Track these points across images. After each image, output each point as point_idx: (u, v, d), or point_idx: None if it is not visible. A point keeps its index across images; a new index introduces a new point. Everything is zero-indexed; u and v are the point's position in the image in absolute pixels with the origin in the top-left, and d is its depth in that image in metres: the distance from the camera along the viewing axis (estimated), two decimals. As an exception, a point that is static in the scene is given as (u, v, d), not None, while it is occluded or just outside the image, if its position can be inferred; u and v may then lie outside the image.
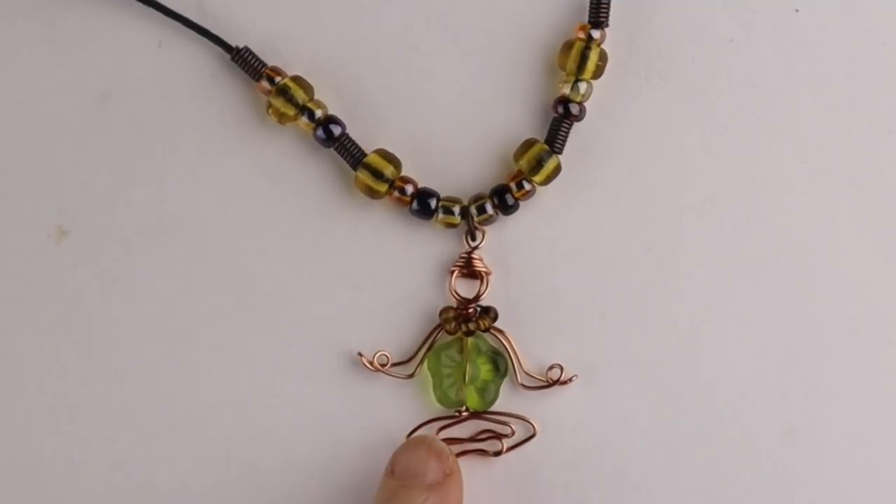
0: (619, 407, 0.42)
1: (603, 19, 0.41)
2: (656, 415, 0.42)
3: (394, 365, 0.42)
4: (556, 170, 0.41)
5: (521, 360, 0.42)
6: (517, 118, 0.42)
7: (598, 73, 0.41)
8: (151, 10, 0.41)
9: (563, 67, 0.41)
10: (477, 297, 0.41)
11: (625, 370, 0.42)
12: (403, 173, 0.41)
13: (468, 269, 0.41)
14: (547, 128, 0.41)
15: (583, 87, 0.41)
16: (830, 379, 0.42)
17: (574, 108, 0.41)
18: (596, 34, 0.41)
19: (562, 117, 0.41)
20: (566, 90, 0.41)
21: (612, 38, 0.41)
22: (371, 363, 0.41)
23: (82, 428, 0.42)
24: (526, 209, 0.41)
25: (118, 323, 0.42)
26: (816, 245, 0.42)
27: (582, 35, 0.41)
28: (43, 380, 0.42)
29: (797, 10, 0.42)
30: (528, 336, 0.42)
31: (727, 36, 0.42)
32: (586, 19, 0.41)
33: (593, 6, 0.41)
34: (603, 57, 0.41)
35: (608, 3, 0.41)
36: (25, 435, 0.42)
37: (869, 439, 0.42)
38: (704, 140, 0.42)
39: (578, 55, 0.41)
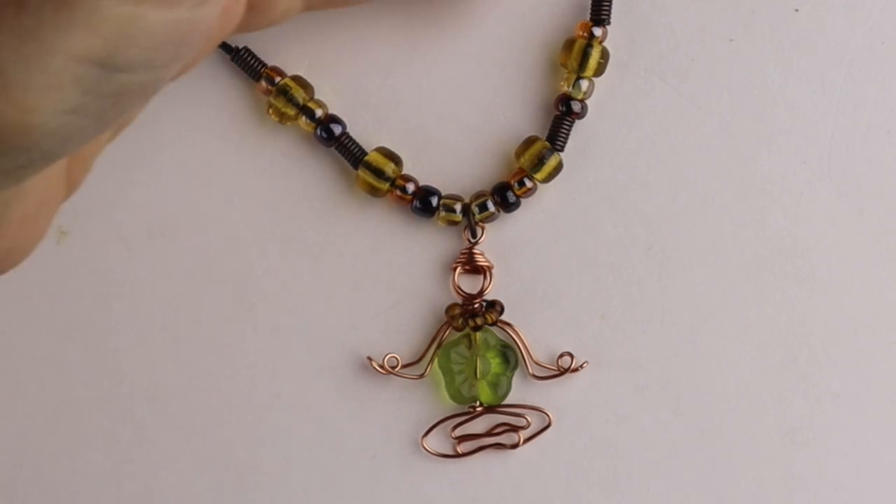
0: (618, 406, 0.42)
1: (605, 17, 0.41)
2: (656, 414, 0.42)
3: (404, 366, 0.42)
4: (558, 167, 0.41)
5: (530, 351, 0.42)
6: (518, 116, 0.42)
7: (599, 70, 0.41)
8: (151, 10, 0.41)
9: (564, 65, 0.41)
10: (481, 293, 0.42)
11: (624, 370, 0.42)
12: (404, 172, 0.41)
13: (470, 265, 0.41)
14: (548, 126, 0.41)
15: (584, 84, 0.41)
16: (830, 379, 0.42)
17: (576, 106, 0.41)
18: (597, 32, 0.41)
19: (563, 115, 0.41)
20: (567, 88, 0.41)
21: (612, 38, 0.41)
22: (382, 366, 0.41)
23: (82, 428, 0.42)
24: (526, 207, 0.42)
25: (118, 323, 0.42)
26: (816, 245, 0.42)
27: (583, 33, 0.41)
28: (43, 380, 0.42)
29: (797, 10, 0.42)
30: (527, 333, 0.42)
31: (727, 36, 0.42)
32: (587, 18, 0.41)
33: (595, 4, 0.41)
34: (604, 54, 0.41)
35: (610, 1, 0.41)
36: (25, 435, 0.42)
37: (869, 439, 0.42)
38: (704, 140, 0.42)
39: (580, 53, 0.41)
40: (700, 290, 0.42)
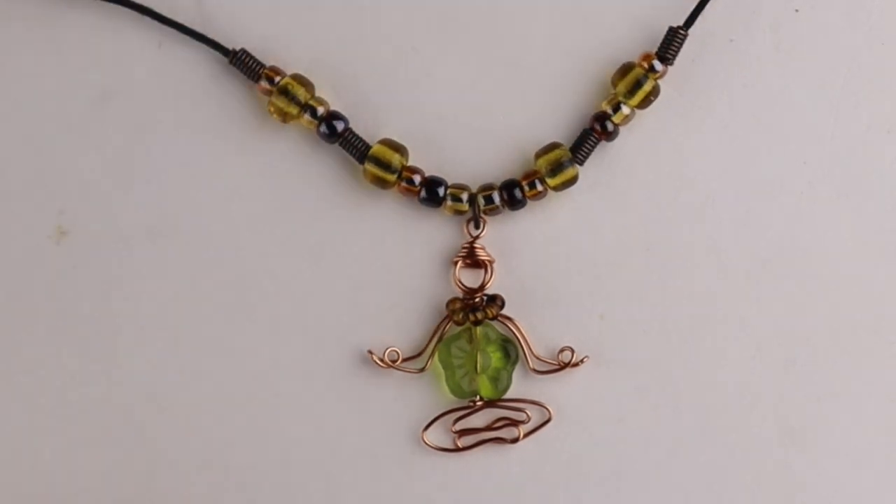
0: (618, 404, 0.42)
1: (671, 56, 0.41)
2: (656, 412, 0.42)
3: (404, 360, 0.42)
4: (573, 179, 0.41)
5: (531, 346, 0.42)
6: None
7: (645, 103, 0.41)
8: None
9: (614, 85, 0.41)
10: (482, 287, 0.42)
11: (623, 370, 0.42)
12: (410, 164, 0.41)
13: (471, 259, 0.41)
14: (572, 136, 0.42)
15: (626, 110, 0.41)
16: (830, 379, 0.42)
17: (609, 127, 0.41)
18: (658, 66, 0.41)
19: (592, 131, 0.41)
20: (608, 108, 0.41)
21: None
22: (382, 360, 0.41)
23: (82, 428, 0.42)
24: (529, 207, 0.42)
25: (118, 323, 0.42)
26: (816, 245, 0.42)
27: (644, 63, 0.41)
28: (43, 380, 0.42)
29: (797, 10, 0.42)
30: (526, 331, 0.42)
31: (727, 36, 0.42)
32: (649, 49, 0.41)
33: (667, 39, 0.41)
34: (655, 91, 0.41)
35: (681, 44, 0.41)
36: (25, 435, 0.42)
37: (869, 439, 0.42)
38: (704, 140, 0.42)
39: (634, 80, 0.41)
40: (700, 290, 0.42)
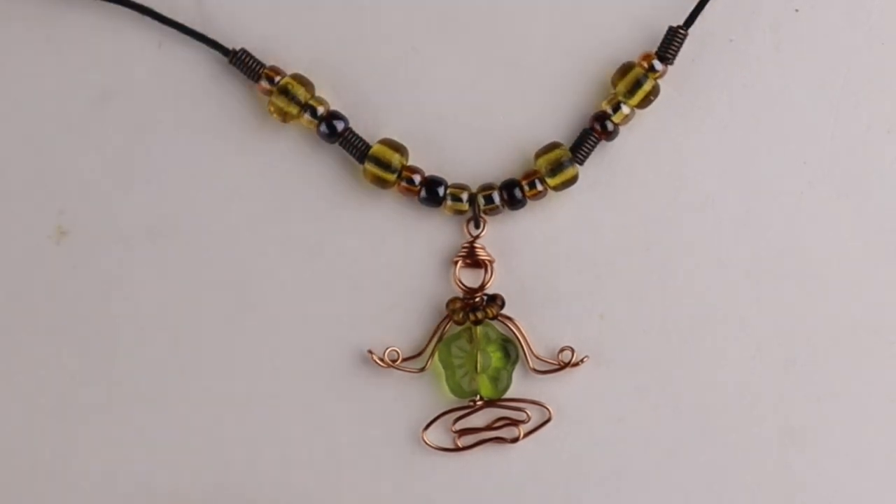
0: (618, 404, 0.42)
1: (671, 55, 0.41)
2: (656, 413, 0.42)
3: (404, 360, 0.42)
4: (573, 179, 0.41)
5: (531, 346, 0.42)
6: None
7: (645, 102, 0.41)
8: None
9: (614, 85, 0.41)
10: (482, 286, 0.42)
11: (623, 370, 0.42)
12: (411, 164, 0.41)
13: (472, 259, 0.41)
14: (572, 136, 0.42)
15: (626, 110, 0.41)
16: (830, 379, 0.42)
17: (609, 126, 0.41)
18: (658, 66, 0.41)
19: (592, 131, 0.41)
20: (608, 108, 0.41)
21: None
22: (382, 360, 0.41)
23: (82, 428, 0.42)
24: (529, 207, 0.41)
25: (118, 323, 0.42)
26: (816, 245, 0.42)
27: (644, 63, 0.41)
28: (43, 380, 0.42)
29: (797, 10, 0.42)
30: (526, 331, 0.42)
31: (727, 36, 0.42)
32: (648, 49, 0.41)
33: (666, 39, 0.41)
34: (655, 90, 0.41)
35: (680, 43, 0.41)
36: (25, 435, 0.42)
37: (869, 439, 0.42)
38: (704, 140, 0.42)
39: (634, 80, 0.41)
40: (700, 290, 0.42)
